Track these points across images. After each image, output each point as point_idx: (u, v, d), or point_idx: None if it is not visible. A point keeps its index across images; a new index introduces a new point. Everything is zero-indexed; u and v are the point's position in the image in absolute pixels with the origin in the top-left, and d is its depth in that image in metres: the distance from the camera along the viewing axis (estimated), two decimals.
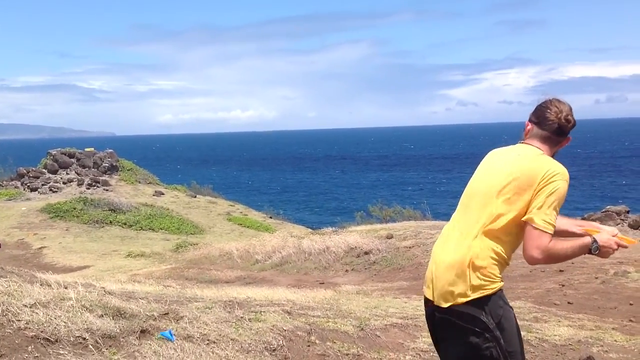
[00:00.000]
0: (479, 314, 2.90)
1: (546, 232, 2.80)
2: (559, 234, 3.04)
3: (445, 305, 2.98)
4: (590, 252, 2.91)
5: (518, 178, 2.90)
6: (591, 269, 10.53)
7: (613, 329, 6.84)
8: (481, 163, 3.18)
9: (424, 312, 3.23)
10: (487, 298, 2.91)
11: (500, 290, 2.96)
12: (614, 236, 2.97)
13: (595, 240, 2.91)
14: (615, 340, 6.26)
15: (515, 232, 2.91)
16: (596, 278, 9.93)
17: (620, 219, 14.46)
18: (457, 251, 2.97)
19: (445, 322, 3.02)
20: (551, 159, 2.98)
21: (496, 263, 2.93)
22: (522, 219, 2.86)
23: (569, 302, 8.66)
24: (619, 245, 2.98)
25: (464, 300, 2.92)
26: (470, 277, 2.91)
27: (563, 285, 9.75)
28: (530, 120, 3.10)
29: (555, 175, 2.86)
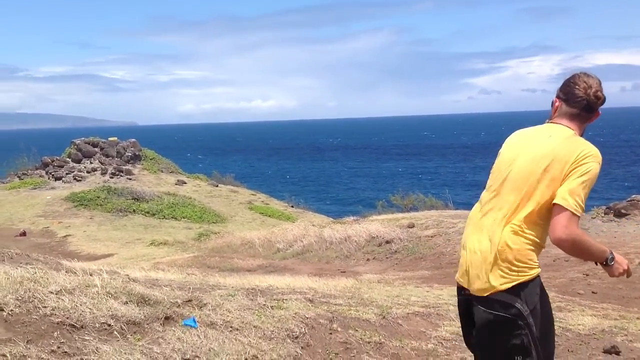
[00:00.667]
0: (514, 301, 2.84)
1: (576, 214, 2.73)
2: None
3: (482, 293, 2.93)
4: (604, 262, 2.89)
5: (553, 161, 2.81)
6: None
7: (638, 318, 6.77)
8: (506, 145, 3.08)
9: (457, 299, 3.19)
10: (524, 285, 2.85)
11: (538, 276, 2.90)
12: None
13: (612, 253, 2.88)
14: None
15: (549, 216, 2.83)
16: None
17: None
18: (493, 238, 2.91)
19: (480, 309, 2.97)
20: (583, 140, 2.88)
21: (533, 249, 2.87)
22: (555, 200, 2.77)
23: (593, 292, 8.58)
24: (626, 270, 2.95)
25: (502, 288, 2.86)
26: (507, 265, 2.85)
27: (587, 275, 9.66)
28: (558, 97, 3.00)
29: (589, 157, 2.77)
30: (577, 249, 2.80)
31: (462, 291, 3.10)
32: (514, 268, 2.85)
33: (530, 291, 2.87)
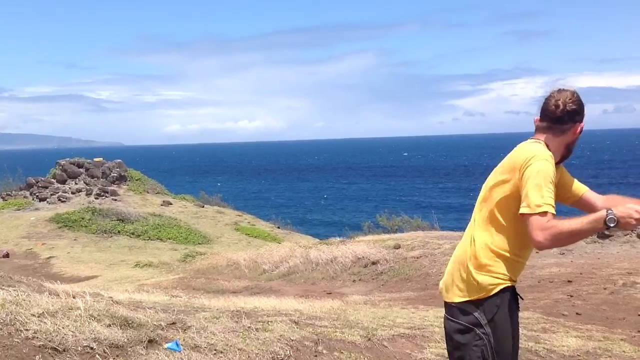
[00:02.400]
0: (473, 310, 2.93)
1: (536, 213, 2.71)
2: (587, 207, 3.05)
3: (446, 300, 3.08)
4: (606, 226, 2.66)
5: (504, 170, 2.96)
6: (600, 280, 10.47)
7: (621, 340, 6.79)
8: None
9: None
10: (484, 299, 2.93)
11: (504, 290, 2.92)
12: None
13: (610, 211, 2.65)
14: (624, 351, 6.22)
15: (512, 225, 2.90)
16: (605, 289, 9.87)
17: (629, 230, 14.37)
18: (461, 247, 3.08)
19: (445, 317, 3.10)
20: (535, 144, 2.95)
21: (499, 259, 2.92)
22: (520, 211, 2.80)
23: (577, 313, 8.61)
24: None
25: (461, 300, 2.98)
26: (470, 275, 2.95)
27: (571, 296, 9.70)
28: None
29: (532, 157, 2.83)
30: (563, 239, 2.72)
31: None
32: (473, 279, 2.94)
33: (490, 302, 2.92)
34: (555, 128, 2.98)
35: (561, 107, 2.94)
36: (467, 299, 2.94)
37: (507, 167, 2.93)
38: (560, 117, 2.96)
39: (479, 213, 3.02)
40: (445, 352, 5.58)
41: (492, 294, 2.91)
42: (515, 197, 2.85)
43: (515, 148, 3.02)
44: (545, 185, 2.75)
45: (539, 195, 2.73)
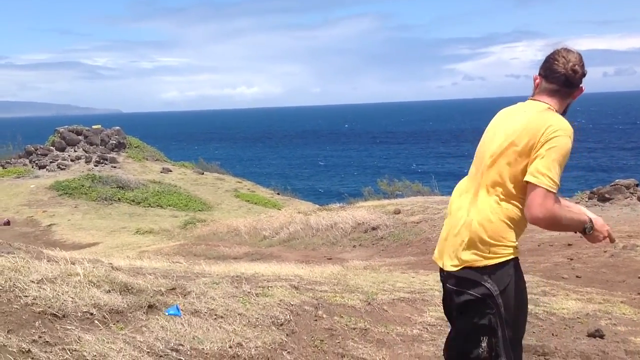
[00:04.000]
0: (484, 280, 2.83)
1: (551, 191, 2.68)
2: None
3: (451, 269, 2.94)
4: (583, 231, 2.84)
5: (521, 135, 2.79)
6: (600, 243, 10.48)
7: (621, 302, 6.82)
8: (490, 123, 3.07)
9: (440, 276, 3.18)
10: (496, 266, 2.83)
11: (514, 259, 2.86)
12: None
13: (591, 221, 2.83)
14: (624, 313, 6.24)
15: (523, 192, 2.80)
16: (605, 252, 9.89)
17: (630, 192, 14.36)
18: (468, 216, 2.90)
19: (449, 288, 2.99)
20: (554, 113, 2.84)
21: (509, 226, 2.83)
22: (527, 177, 2.74)
23: (577, 276, 8.64)
24: (608, 236, 2.91)
25: (472, 265, 2.86)
26: (480, 243, 2.83)
27: (572, 259, 9.72)
28: (539, 73, 2.97)
29: (557, 130, 2.72)
30: (554, 225, 2.76)
31: (442, 273, 3.09)
32: (486, 247, 2.83)
33: (502, 272, 2.84)
34: (563, 91, 2.89)
35: (579, 72, 2.85)
36: (479, 264, 2.84)
37: (524, 135, 2.78)
38: (573, 81, 2.87)
39: (486, 179, 2.88)
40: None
41: (504, 263, 2.83)
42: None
43: (526, 113, 2.86)
44: (561, 165, 2.71)
45: (554, 173, 2.68)
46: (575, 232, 2.90)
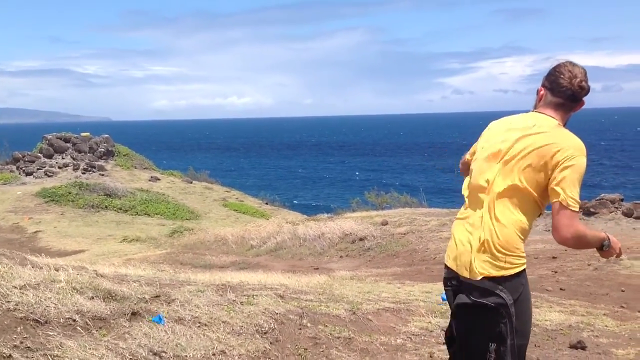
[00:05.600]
0: (499, 290, 2.85)
1: (576, 211, 2.75)
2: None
3: (467, 279, 2.94)
4: (600, 248, 2.91)
5: (535, 150, 2.81)
6: (584, 256, 10.56)
7: (604, 314, 6.87)
8: (488, 132, 3.07)
9: (443, 283, 3.17)
10: (512, 277, 2.86)
11: (524, 269, 2.91)
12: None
13: (608, 238, 2.90)
14: (606, 326, 6.28)
15: (534, 206, 2.86)
16: (589, 265, 9.97)
17: (614, 207, 14.48)
18: (481, 226, 2.91)
19: (463, 296, 2.98)
20: (568, 132, 2.87)
21: (521, 238, 2.87)
22: (551, 195, 2.78)
23: (561, 289, 8.69)
24: (618, 253, 2.98)
25: (488, 274, 2.87)
26: (493, 254, 2.86)
27: (556, 272, 9.79)
28: (543, 86, 2.99)
29: (575, 150, 2.77)
30: (580, 244, 2.86)
31: (449, 282, 3.09)
32: (502, 257, 2.85)
33: (516, 282, 2.87)
34: (567, 105, 2.93)
35: (586, 87, 2.89)
36: (497, 275, 2.86)
37: (538, 151, 2.80)
38: (578, 96, 2.91)
39: (498, 191, 2.88)
40: (429, 325, 5.64)
41: (518, 274, 2.87)
42: (545, 186, 2.82)
43: (540, 129, 2.87)
44: (580, 184, 2.79)
45: (576, 193, 2.75)
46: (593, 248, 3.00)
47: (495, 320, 2.88)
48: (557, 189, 2.76)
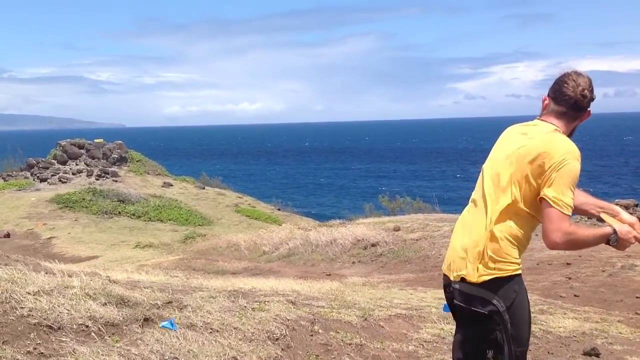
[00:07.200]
0: (491, 297, 2.88)
1: (566, 214, 2.73)
2: (575, 210, 2.99)
3: (459, 285, 2.98)
4: (608, 243, 2.86)
5: (529, 156, 2.83)
6: (598, 262, 10.48)
7: (619, 321, 6.81)
8: (498, 141, 3.10)
9: (443, 290, 3.20)
10: (501, 281, 2.87)
11: (518, 275, 2.91)
12: (632, 225, 2.93)
13: (615, 232, 2.86)
14: (620, 333, 6.23)
15: (530, 212, 2.86)
16: (603, 271, 9.88)
17: (629, 213, 14.36)
18: (475, 233, 2.95)
19: (457, 304, 3.03)
20: (561, 136, 2.88)
21: (514, 245, 2.88)
22: (539, 198, 2.79)
23: (575, 295, 8.62)
24: (637, 239, 2.92)
25: (478, 280, 2.89)
26: (486, 259, 2.88)
27: (570, 278, 9.71)
28: (548, 95, 3.01)
29: (566, 154, 2.77)
30: (574, 246, 2.84)
31: (447, 288, 3.12)
32: (491, 263, 2.87)
33: (508, 288, 2.89)
34: (571, 114, 2.94)
35: (588, 96, 2.90)
36: (485, 278, 2.88)
37: (531, 157, 2.82)
38: (581, 105, 2.92)
39: (494, 198, 2.91)
40: (441, 332, 5.62)
41: (508, 278, 2.88)
42: (538, 191, 2.83)
43: (534, 134, 2.91)
44: (573, 188, 2.78)
45: (568, 197, 2.75)
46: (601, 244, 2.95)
47: (489, 327, 2.91)
48: (546, 190, 2.77)
